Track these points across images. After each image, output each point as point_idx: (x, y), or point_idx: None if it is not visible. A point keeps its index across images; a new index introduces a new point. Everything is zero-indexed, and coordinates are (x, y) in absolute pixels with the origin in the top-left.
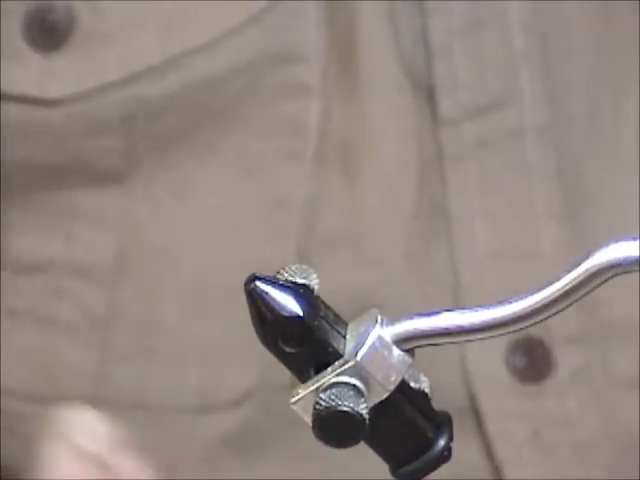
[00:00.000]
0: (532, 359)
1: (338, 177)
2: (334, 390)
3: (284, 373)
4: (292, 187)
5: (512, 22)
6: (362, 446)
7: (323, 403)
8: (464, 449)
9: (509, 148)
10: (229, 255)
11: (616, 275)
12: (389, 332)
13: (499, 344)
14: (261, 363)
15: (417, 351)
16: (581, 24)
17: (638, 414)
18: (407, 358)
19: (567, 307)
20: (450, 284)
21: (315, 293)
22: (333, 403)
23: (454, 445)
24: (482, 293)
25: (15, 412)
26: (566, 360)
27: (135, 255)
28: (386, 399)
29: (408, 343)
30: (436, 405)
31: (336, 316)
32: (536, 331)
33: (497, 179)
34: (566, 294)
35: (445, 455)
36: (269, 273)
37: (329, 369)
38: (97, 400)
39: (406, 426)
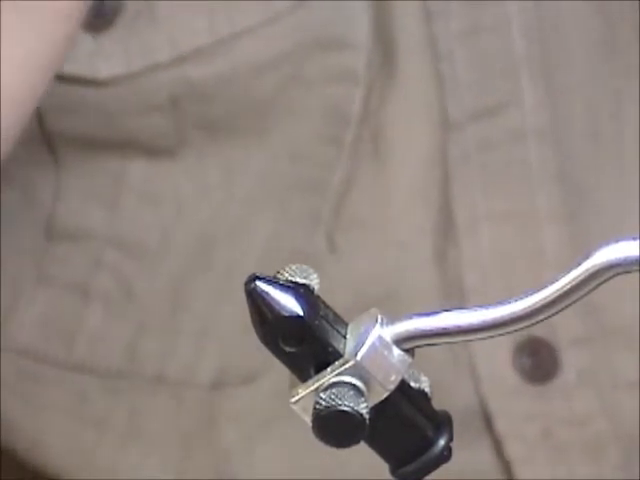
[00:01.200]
0: (538, 360)
1: (369, 163)
2: (334, 390)
3: None
4: (328, 171)
5: (513, 26)
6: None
7: (323, 403)
8: (474, 450)
9: (511, 151)
10: (265, 238)
11: (616, 275)
12: (389, 332)
13: (506, 345)
14: None
15: (426, 353)
16: (580, 27)
17: None
18: (407, 358)
19: (567, 307)
20: (458, 285)
21: (315, 293)
22: (333, 403)
23: (465, 446)
24: (487, 295)
25: (26, 372)
26: (572, 361)
27: (179, 233)
28: (386, 399)
29: (408, 343)
30: (445, 406)
31: (336, 316)
32: (542, 332)
33: (500, 182)
34: (566, 294)
35: (445, 455)
36: (298, 255)
37: (329, 369)
38: (122, 372)
39: (406, 426)
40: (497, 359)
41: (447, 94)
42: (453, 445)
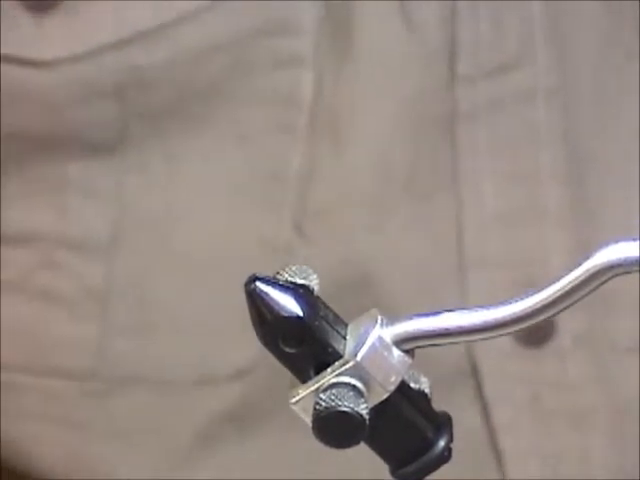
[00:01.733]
0: None
1: (330, 147)
2: (334, 390)
3: None
4: (285, 158)
5: None
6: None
7: (323, 403)
8: (462, 413)
9: (519, 110)
10: (224, 226)
11: (616, 275)
12: (389, 332)
13: None
14: None
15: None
16: (591, 3)
17: (639, 380)
18: (407, 359)
19: (567, 307)
20: (453, 244)
21: (315, 293)
22: (333, 403)
23: (453, 409)
24: (486, 255)
25: (2, 383)
26: (568, 325)
27: (129, 227)
28: (386, 399)
29: (408, 343)
30: (436, 367)
31: (336, 316)
32: None
33: (506, 140)
34: (567, 294)
35: (445, 455)
36: (266, 245)
37: (329, 369)
38: (94, 374)
39: (406, 427)
40: None
41: (462, 49)
42: (442, 406)
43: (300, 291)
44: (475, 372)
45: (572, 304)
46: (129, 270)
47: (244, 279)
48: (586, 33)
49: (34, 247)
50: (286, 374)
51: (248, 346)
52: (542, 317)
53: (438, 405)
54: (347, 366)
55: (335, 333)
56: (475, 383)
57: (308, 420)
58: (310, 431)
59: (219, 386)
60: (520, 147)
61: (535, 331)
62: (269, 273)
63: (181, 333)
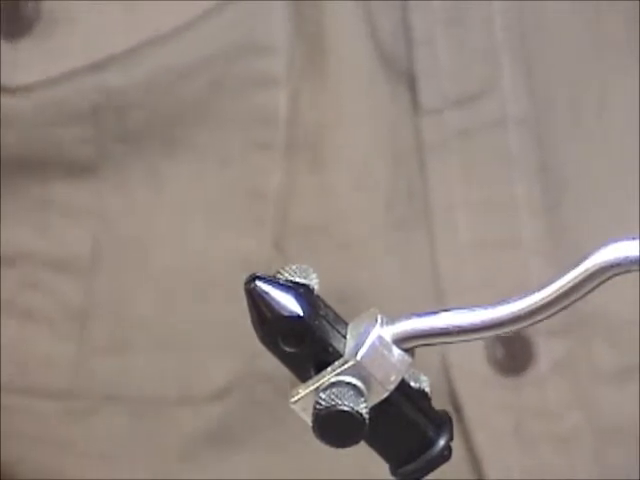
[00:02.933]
0: (512, 350)
1: (309, 165)
2: (334, 390)
3: (268, 364)
4: (265, 177)
5: (494, 13)
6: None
7: (323, 403)
8: None
9: (491, 138)
10: (205, 245)
11: (616, 275)
12: (389, 332)
13: None
14: (244, 355)
15: None
16: (566, 16)
17: (621, 407)
18: (407, 358)
19: (567, 307)
20: (430, 273)
21: (315, 293)
22: (333, 403)
23: None
24: (462, 282)
25: None
26: (547, 352)
27: (110, 247)
28: (386, 399)
29: (408, 343)
30: None
31: (336, 316)
32: None
33: (478, 169)
34: (565, 294)
35: (445, 454)
36: (247, 264)
37: (329, 369)
38: (74, 393)
39: (406, 426)
40: (469, 348)
41: (422, 80)
42: None
43: (300, 290)
44: (454, 401)
45: (571, 304)
46: (109, 289)
47: (224, 298)
48: (559, 59)
49: (17, 267)
50: (266, 395)
51: (228, 366)
52: (541, 317)
53: None
54: (347, 365)
55: (335, 332)
56: (454, 410)
57: (308, 419)
58: (288, 452)
59: (199, 406)
60: (493, 176)
61: (513, 358)
62: None
63: (160, 353)
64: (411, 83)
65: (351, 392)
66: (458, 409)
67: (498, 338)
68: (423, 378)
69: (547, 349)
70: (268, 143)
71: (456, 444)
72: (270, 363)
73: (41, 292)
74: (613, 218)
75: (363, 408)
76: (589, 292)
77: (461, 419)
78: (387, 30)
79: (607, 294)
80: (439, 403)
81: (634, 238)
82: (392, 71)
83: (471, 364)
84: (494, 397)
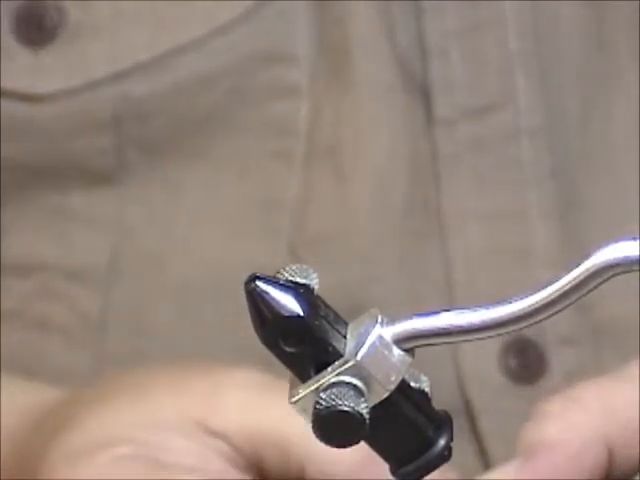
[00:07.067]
0: (525, 360)
1: (328, 176)
2: (334, 390)
3: (284, 372)
4: (283, 187)
5: (509, 23)
6: None
7: (323, 403)
8: (458, 451)
9: (504, 149)
10: (222, 256)
11: (616, 275)
12: (389, 332)
13: (493, 344)
14: (260, 364)
15: None
16: (573, 25)
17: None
18: (407, 358)
19: (567, 307)
20: (443, 283)
21: (315, 293)
22: (333, 403)
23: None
24: (476, 292)
25: None
26: (560, 361)
27: (128, 257)
28: (386, 399)
29: (408, 343)
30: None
31: (336, 316)
32: (529, 332)
33: (491, 180)
34: (566, 294)
35: (445, 455)
36: (260, 271)
37: (329, 369)
38: None
39: (406, 426)
40: (482, 358)
41: (436, 91)
42: None
43: (300, 290)
44: (468, 411)
45: (571, 303)
46: (126, 299)
47: (241, 307)
48: (570, 66)
49: (34, 277)
50: None
51: None
52: (542, 317)
53: None
54: (347, 365)
55: (335, 332)
56: (469, 422)
57: (308, 419)
58: None
59: None
60: (506, 186)
61: (526, 368)
62: None
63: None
64: (426, 94)
65: (351, 392)
66: (473, 419)
67: (511, 348)
68: (423, 378)
69: (560, 359)
70: (287, 153)
71: (471, 454)
72: (286, 371)
73: (57, 301)
74: (623, 224)
75: (363, 408)
76: (589, 292)
77: (475, 429)
78: (405, 42)
79: (616, 302)
80: (453, 414)
81: (634, 238)
82: (409, 82)
83: (485, 374)
84: (509, 407)
